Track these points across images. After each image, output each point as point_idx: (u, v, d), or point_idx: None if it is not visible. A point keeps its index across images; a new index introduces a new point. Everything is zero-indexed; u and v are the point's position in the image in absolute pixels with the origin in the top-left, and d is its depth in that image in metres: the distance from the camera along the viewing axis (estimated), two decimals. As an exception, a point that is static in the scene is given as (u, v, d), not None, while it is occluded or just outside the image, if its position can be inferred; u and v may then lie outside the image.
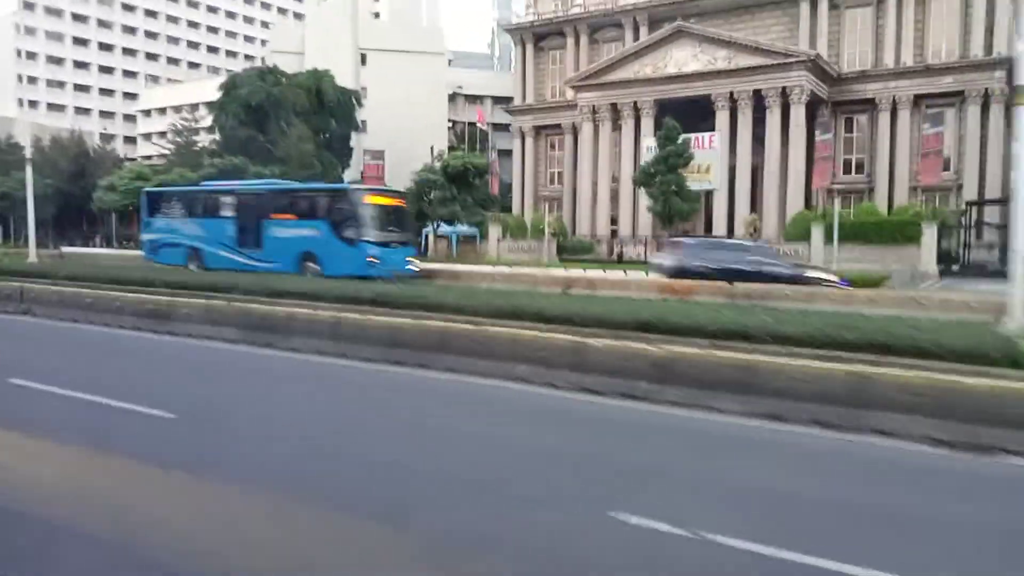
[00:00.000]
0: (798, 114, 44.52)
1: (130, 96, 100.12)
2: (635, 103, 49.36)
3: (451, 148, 74.10)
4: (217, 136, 59.95)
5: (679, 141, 34.85)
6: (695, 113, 47.99)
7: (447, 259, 44.07)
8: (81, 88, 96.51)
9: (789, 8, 49.27)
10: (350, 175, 59.33)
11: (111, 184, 54.75)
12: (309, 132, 54.24)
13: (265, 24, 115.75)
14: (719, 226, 47.08)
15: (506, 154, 76.95)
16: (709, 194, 47.19)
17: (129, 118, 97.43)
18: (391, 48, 69.38)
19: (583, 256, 48.82)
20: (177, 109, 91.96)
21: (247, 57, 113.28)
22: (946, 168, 43.85)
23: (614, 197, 51.01)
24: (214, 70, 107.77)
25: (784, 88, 44.48)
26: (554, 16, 58.34)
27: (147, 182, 55.46)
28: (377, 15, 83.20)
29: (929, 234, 35.42)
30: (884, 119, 46.77)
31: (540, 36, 59.59)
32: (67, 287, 19.12)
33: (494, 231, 48.42)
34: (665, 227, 37.75)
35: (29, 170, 29.21)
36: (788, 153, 44.98)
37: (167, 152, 62.10)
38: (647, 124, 48.97)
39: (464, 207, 40.22)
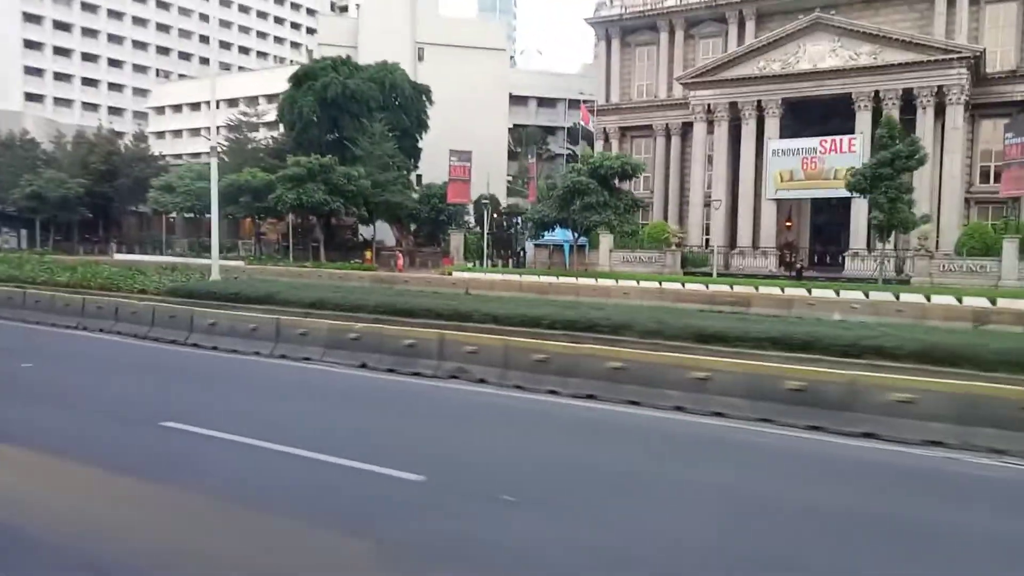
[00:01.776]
0: (956, 116, 40.60)
1: (140, 92, 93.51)
2: (759, 102, 45.07)
3: (511, 152, 69.49)
4: (276, 133, 54.42)
5: (897, 140, 30.21)
6: (817, 114, 44.10)
7: (569, 272, 39.27)
8: (89, 82, 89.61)
9: (918, 3, 45.31)
10: (430, 175, 54.23)
11: (167, 184, 48.87)
12: (385, 129, 49.04)
13: (279, 20, 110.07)
14: (858, 238, 42.93)
15: (560, 158, 72.70)
16: (844, 203, 43.10)
17: (139, 115, 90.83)
18: (451, 43, 64.34)
19: (699, 269, 44.49)
20: (194, 106, 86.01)
21: (260, 54, 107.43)
22: None
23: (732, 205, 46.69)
24: (225, 66, 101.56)
25: (940, 87, 40.52)
26: (646, 9, 53.87)
27: (208, 182, 49.81)
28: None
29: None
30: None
31: (628, 31, 55.12)
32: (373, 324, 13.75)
33: (606, 241, 43.67)
34: (883, 239, 33.29)
35: (214, 164, 23.58)
36: (942, 159, 41.06)
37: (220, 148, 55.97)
38: (772, 125, 44.80)
39: (616, 213, 35.32)
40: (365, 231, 55.47)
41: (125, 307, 15.29)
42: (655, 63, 54.22)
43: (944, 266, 36.48)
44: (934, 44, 40.85)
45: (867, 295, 24.73)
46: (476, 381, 11.19)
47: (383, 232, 56.76)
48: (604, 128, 55.44)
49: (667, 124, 53.07)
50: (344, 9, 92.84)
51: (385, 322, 12.92)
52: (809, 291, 26.67)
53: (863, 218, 42.88)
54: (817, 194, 43.70)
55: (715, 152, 47.26)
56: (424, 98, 55.08)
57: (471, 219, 56.01)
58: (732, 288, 27.26)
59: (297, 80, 50.14)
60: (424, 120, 55.22)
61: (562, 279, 28.61)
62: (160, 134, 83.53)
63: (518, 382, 10.75)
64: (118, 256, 43.98)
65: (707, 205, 47.71)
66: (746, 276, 37.79)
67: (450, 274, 34.77)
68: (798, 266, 38.85)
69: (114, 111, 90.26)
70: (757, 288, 26.34)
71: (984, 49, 41.07)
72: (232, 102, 64.41)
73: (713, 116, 46.93)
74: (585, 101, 61.10)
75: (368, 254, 48.77)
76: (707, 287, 26.54)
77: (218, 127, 68.38)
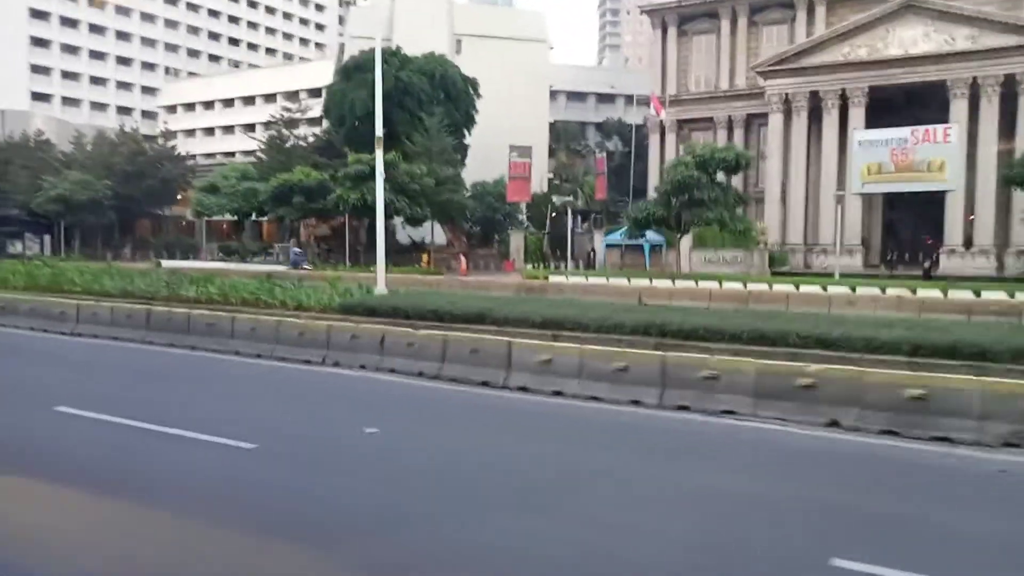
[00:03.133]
0: (1064, 102, 38.34)
1: (148, 91, 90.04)
2: (842, 90, 42.60)
3: (551, 148, 66.79)
4: (317, 129, 51.35)
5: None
6: (901, 104, 41.66)
7: (662, 274, 36.49)
8: (97, 81, 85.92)
9: (1006, -16, 42.89)
10: (469, 173, 51.31)
11: (212, 184, 45.68)
12: (440, 124, 46.20)
13: (287, 15, 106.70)
14: (953, 234, 40.61)
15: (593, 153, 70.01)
16: (921, 197, 40.79)
17: (148, 114, 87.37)
18: (489, 34, 61.49)
19: (782, 268, 42.03)
20: (207, 104, 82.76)
21: (268, 51, 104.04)
22: None
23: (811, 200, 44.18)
24: (234, 63, 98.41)
25: (1046, 72, 38.23)
26: (706, -5, 51.23)
27: (256, 182, 46.75)
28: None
29: None
30: None
31: (685, 18, 52.52)
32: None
33: (686, 240, 41.02)
34: None
35: (379, 156, 20.64)
36: (1050, 149, 38.75)
37: (259, 147, 52.80)
38: (856, 115, 42.34)
39: (727, 208, 32.65)
40: (409, 233, 52.53)
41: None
42: (714, 52, 51.64)
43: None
44: (1042, 26, 38.52)
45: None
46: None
47: (426, 233, 53.87)
48: (660, 121, 52.68)
49: (730, 116, 50.52)
50: (352, 4, 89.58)
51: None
52: (978, 294, 24.00)
53: (959, 213, 40.69)
54: (910, 187, 41.11)
55: (792, 145, 44.72)
56: (472, 91, 52.22)
57: (523, 218, 53.31)
58: (885, 292, 24.39)
59: (346, 73, 47.10)
60: (472, 115, 52.41)
61: (712, 284, 25.68)
62: (171, 134, 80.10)
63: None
64: (166, 263, 40.71)
65: (783, 201, 45.24)
66: (853, 276, 35.18)
67: (544, 278, 31.91)
68: (926, 265, 36.28)
69: (123, 110, 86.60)
70: (914, 292, 23.57)
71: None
72: (268, 97, 61.18)
73: (791, 106, 44.44)
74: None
75: (425, 257, 45.86)
76: (853, 290, 23.74)
77: (258, 124, 65.57)
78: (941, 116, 39.73)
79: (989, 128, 39.72)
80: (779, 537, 5.63)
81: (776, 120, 45.06)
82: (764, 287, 23.62)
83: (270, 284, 18.65)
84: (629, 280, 28.19)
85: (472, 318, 13.86)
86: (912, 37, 40.82)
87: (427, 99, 47.88)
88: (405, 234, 53.20)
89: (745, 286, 25.00)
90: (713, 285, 27.02)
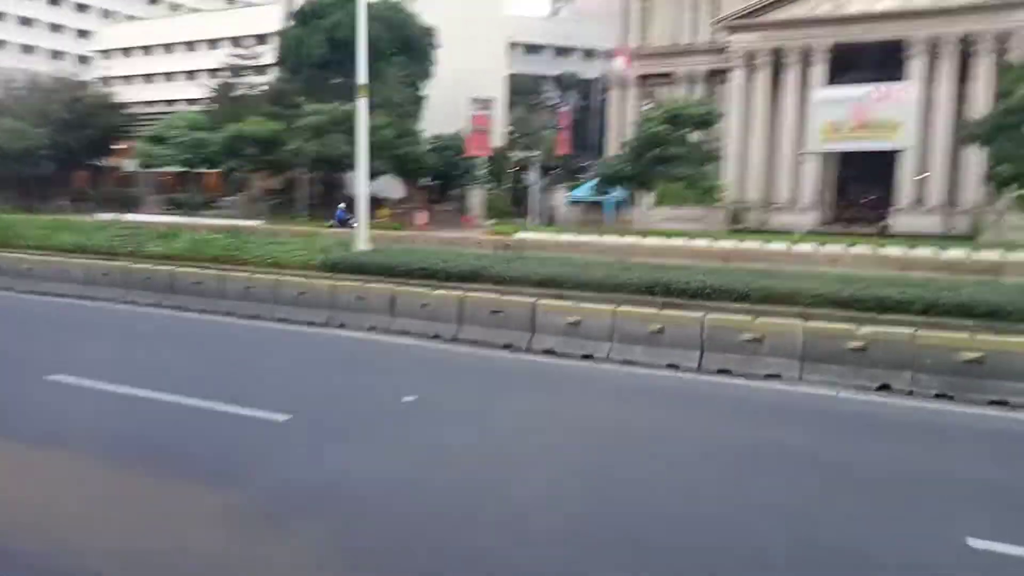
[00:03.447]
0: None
1: (83, 34, 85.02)
2: (805, 48, 42.63)
3: (511, 102, 65.57)
4: (268, 78, 49.25)
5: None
6: (869, 61, 41.93)
7: (626, 231, 36.30)
8: (26, 21, 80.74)
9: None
10: (427, 125, 50.04)
11: (157, 135, 43.51)
12: (400, 74, 44.82)
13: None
14: (905, 194, 41.41)
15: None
16: (889, 155, 41.39)
17: (83, 59, 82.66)
18: (445, -19, 59.45)
19: (741, 225, 42.35)
20: (146, 49, 78.56)
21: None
22: None
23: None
24: (174, 6, 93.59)
25: (1003, 32, 38.76)
26: (670, -54, 50.33)
27: (206, 132, 44.67)
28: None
29: None
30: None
31: (649, -30, 51.58)
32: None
33: (645, 197, 40.92)
34: (999, 193, 31.28)
35: (363, 107, 19.53)
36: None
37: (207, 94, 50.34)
38: (818, 72, 42.50)
39: (693, 166, 32.49)
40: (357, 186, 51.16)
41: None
42: (677, 6, 50.96)
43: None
44: (999, -14, 38.93)
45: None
46: None
47: (379, 187, 52.57)
48: (622, 75, 52.03)
49: (691, 71, 50.12)
50: None
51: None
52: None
53: (911, 172, 41.42)
54: (869, 146, 41.55)
55: (753, 102, 44.72)
56: (430, 42, 50.68)
57: (481, 173, 52.45)
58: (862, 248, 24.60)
59: (302, 18, 45.00)
60: (430, 66, 50.92)
61: (694, 241, 25.52)
62: (125, 79, 76.02)
63: None
64: (103, 216, 38.81)
65: (741, 158, 45.38)
66: (814, 234, 35.57)
67: (511, 234, 31.39)
68: (883, 223, 36.94)
69: (55, 54, 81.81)
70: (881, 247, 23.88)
71: (1054, -7, 39.24)
72: (212, 43, 58.32)
73: (754, 62, 44.35)
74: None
75: (386, 211, 44.79)
76: (847, 247, 23.92)
77: (201, 71, 62.54)
78: (900, 75, 40.14)
79: (945, 88, 40.30)
80: (902, 514, 5.38)
81: (738, 76, 44.95)
82: (744, 244, 23.53)
83: (241, 240, 17.73)
84: (602, 236, 27.90)
85: (466, 276, 13.35)
86: (875, -6, 40.92)
87: (385, 48, 46.17)
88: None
89: (718, 242, 24.95)
90: (699, 243, 26.94)
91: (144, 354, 10.40)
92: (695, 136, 33.78)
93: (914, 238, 32.44)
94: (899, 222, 40.58)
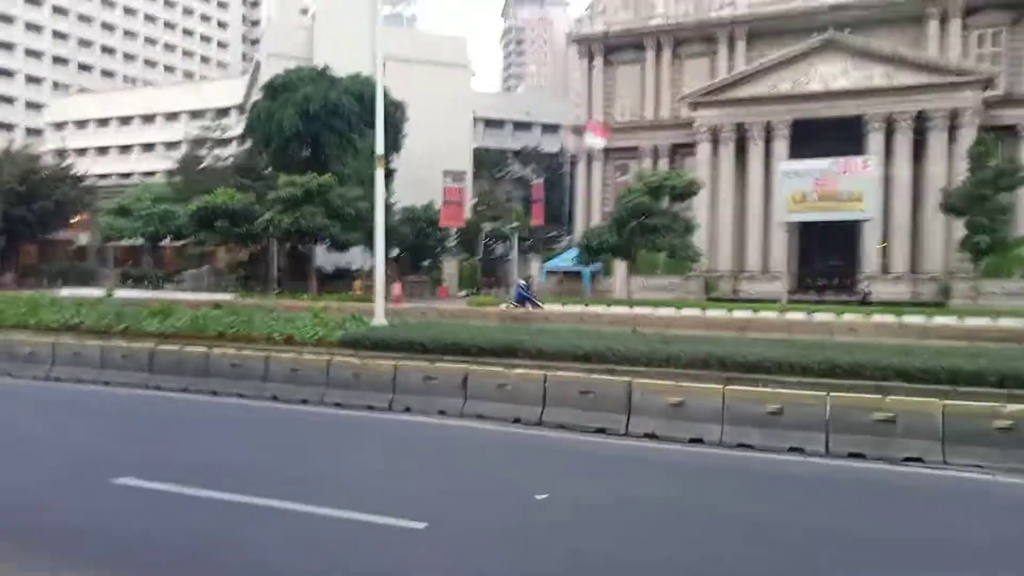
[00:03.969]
0: (969, 137, 40.86)
1: (33, 106, 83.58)
2: (768, 123, 44.22)
3: (476, 174, 66.19)
4: (232, 150, 48.69)
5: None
6: (824, 136, 43.57)
7: (605, 300, 36.26)
8: (-26, 94, 79.14)
9: (909, 27, 45.72)
10: (396, 198, 49.96)
11: (121, 207, 42.22)
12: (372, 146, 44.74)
13: (188, 32, 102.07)
14: (870, 262, 42.60)
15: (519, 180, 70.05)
16: (848, 225, 42.74)
17: (33, 131, 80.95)
18: (413, 58, 60.51)
19: (713, 294, 42.82)
20: (102, 122, 77.47)
21: (167, 68, 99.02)
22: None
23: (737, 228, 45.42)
24: (130, 80, 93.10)
25: (954, 109, 40.89)
26: (631, 28, 52.32)
27: (173, 204, 43.59)
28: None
29: None
30: (1025, 146, 44.08)
31: (611, 49, 53.41)
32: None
33: (621, 267, 41.27)
34: (977, 262, 32.16)
35: (380, 177, 19.02)
36: (957, 181, 41.23)
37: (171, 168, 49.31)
38: (781, 146, 44.03)
39: (677, 236, 32.84)
40: (334, 260, 50.54)
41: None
42: (640, 83, 52.67)
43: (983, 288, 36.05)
44: (949, 67, 41.25)
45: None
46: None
47: (351, 259, 51.97)
48: (587, 150, 53.07)
49: (655, 145, 51.48)
50: (256, 23, 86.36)
51: (835, 388, 9.53)
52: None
53: (874, 241, 42.73)
54: (833, 217, 42.79)
55: (719, 174, 45.94)
56: (400, 115, 51.07)
57: (452, 244, 52.39)
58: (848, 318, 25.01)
59: (272, 91, 44.89)
60: (400, 139, 51.15)
61: (685, 311, 25.48)
62: (61, 152, 74.43)
63: None
64: (64, 292, 37.13)
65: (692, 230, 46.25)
66: (795, 303, 36.06)
67: (493, 305, 30.99)
68: (865, 291, 37.68)
69: (5, 127, 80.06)
70: (870, 316, 24.29)
71: (998, 73, 41.73)
72: (171, 116, 57.61)
73: (718, 136, 45.75)
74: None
75: (358, 283, 44.04)
76: (812, 315, 24.31)
77: (160, 144, 61.59)
78: (860, 148, 41.79)
79: (903, 160, 42.06)
80: None
81: (704, 150, 46.23)
82: (759, 315, 23.61)
83: (244, 316, 16.86)
84: (609, 307, 27.82)
85: (501, 351, 12.81)
86: (832, 73, 42.93)
87: (357, 121, 46.35)
88: (328, 260, 51.11)
89: (731, 313, 25.04)
90: (713, 313, 27.03)
91: (216, 450, 9.32)
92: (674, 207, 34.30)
93: (888, 305, 33.29)
94: (866, 289, 41.51)
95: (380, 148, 18.54)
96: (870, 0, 45.79)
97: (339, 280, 46.84)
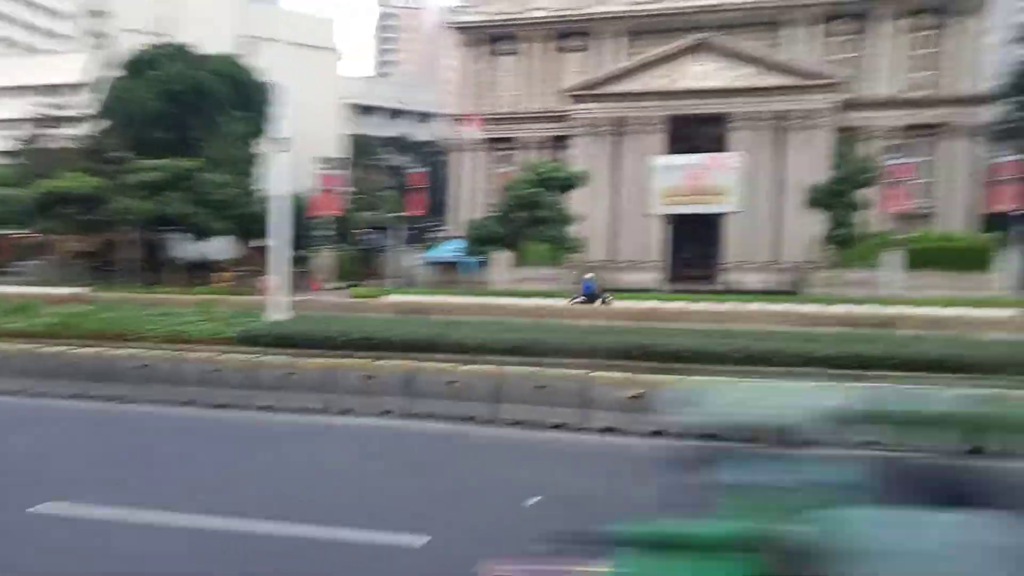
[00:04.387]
0: (823, 137, 43.89)
1: None
2: (643, 118, 45.58)
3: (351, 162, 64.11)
4: (77, 130, 44.46)
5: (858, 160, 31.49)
6: (702, 131, 45.54)
7: (483, 291, 36.00)
8: None
9: (773, 31, 48.42)
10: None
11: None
12: (241, 130, 42.36)
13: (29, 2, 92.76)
14: (735, 253, 44.91)
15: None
16: (716, 217, 45.00)
17: None
18: (278, 38, 57.63)
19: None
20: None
21: (7, 41, 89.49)
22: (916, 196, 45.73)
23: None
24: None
25: (810, 110, 43.70)
26: (512, 18, 52.31)
27: (14, 188, 39.09)
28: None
29: (1008, 258, 36.41)
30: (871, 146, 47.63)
31: (492, 38, 53.22)
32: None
33: (500, 258, 41.19)
34: (838, 254, 34.08)
35: (275, 165, 17.15)
36: (813, 178, 44.05)
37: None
38: (655, 141, 45.52)
39: (559, 227, 33.04)
40: (199, 248, 47.39)
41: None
42: (520, 74, 52.82)
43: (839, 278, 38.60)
44: (807, 71, 44.02)
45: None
46: None
47: (215, 249, 48.92)
48: (465, 140, 52.58)
49: (535, 137, 51.86)
50: None
51: (755, 375, 9.60)
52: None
53: (737, 233, 45.02)
54: (704, 209, 44.81)
55: (597, 166, 46.85)
56: (267, 98, 48.38)
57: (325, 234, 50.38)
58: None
59: (134, 68, 41.23)
60: (269, 122, 48.47)
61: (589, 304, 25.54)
62: None
63: None
64: None
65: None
66: (676, 292, 37.30)
67: (382, 296, 30.08)
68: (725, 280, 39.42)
69: None
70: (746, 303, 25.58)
71: (851, 76, 44.94)
72: (10, 91, 51.84)
73: (597, 129, 46.63)
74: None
75: (227, 274, 41.44)
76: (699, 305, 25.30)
77: (14, 121, 55.03)
78: (729, 144, 43.90)
79: (765, 157, 44.52)
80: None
81: (583, 142, 46.97)
82: (653, 304, 23.99)
83: (122, 312, 15.17)
84: (481, 298, 27.49)
85: (420, 346, 12.17)
86: (704, 72, 44.75)
87: (225, 103, 43.58)
88: (187, 250, 47.81)
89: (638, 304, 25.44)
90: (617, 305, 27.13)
91: (142, 465, 8.08)
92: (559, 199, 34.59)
93: (750, 293, 35.28)
94: (730, 279, 43.79)
95: (284, 130, 17.22)
96: (738, 3, 48.21)
97: (201, 271, 43.90)
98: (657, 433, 8.45)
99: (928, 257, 37.45)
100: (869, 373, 10.16)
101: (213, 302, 18.74)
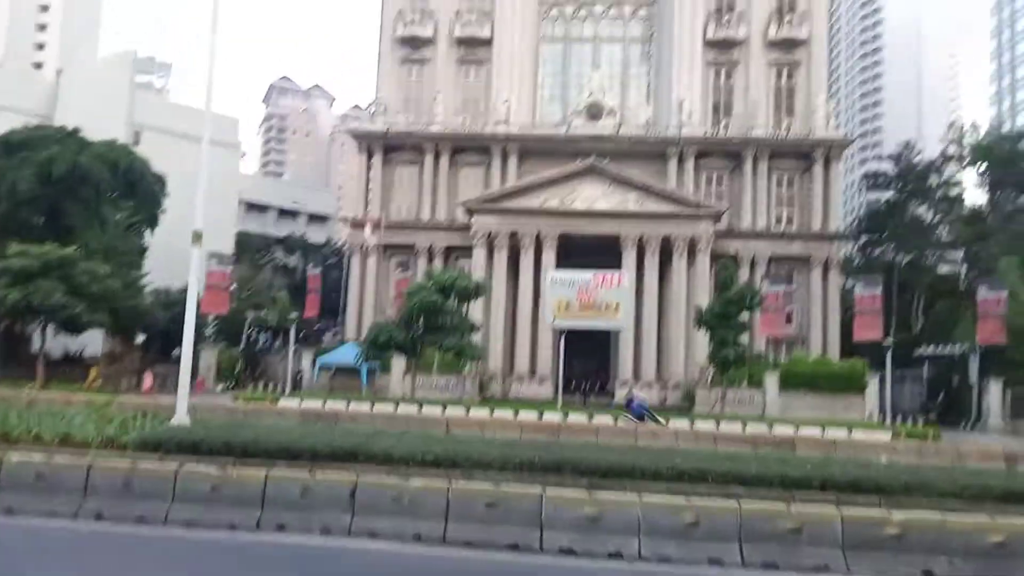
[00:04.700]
0: (704, 262, 46.83)
1: None
2: (538, 233, 47.19)
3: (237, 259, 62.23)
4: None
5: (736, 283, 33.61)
6: (595, 248, 47.41)
7: (366, 397, 35.04)
8: None
9: (655, 161, 51.88)
10: (149, 277, 45.33)
11: None
12: (125, 220, 40.57)
13: None
14: (625, 369, 46.24)
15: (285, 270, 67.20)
16: (612, 334, 46.50)
17: None
18: (175, 130, 56.53)
19: (487, 395, 43.54)
20: None
21: None
22: (789, 321, 49.47)
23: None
24: None
25: (693, 236, 46.71)
26: (412, 130, 53.83)
27: None
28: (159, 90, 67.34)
29: (874, 383, 39.46)
30: (744, 273, 51.08)
31: (391, 148, 54.32)
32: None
33: (398, 364, 40.58)
34: (722, 375, 35.37)
35: (196, 257, 15.94)
36: (694, 299, 46.53)
37: None
38: (549, 256, 47.01)
39: (462, 335, 32.99)
40: (65, 343, 43.99)
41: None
42: (418, 184, 53.83)
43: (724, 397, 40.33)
44: (688, 200, 47.35)
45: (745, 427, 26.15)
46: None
47: (81, 344, 45.53)
48: (363, 244, 52.47)
49: (431, 245, 52.45)
50: (39, 66, 75.83)
51: (688, 494, 9.65)
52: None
53: (630, 350, 46.48)
54: (594, 325, 45.96)
55: (494, 278, 47.71)
56: (160, 189, 46.96)
57: (209, 333, 48.09)
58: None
59: (7, 148, 38.93)
60: (157, 214, 46.80)
61: (509, 414, 25.34)
62: None
63: None
64: None
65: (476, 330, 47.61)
66: (567, 405, 37.66)
67: (271, 402, 28.72)
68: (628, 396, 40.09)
69: None
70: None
71: (728, 207, 48.60)
72: None
73: (493, 242, 47.78)
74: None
75: (93, 372, 38.38)
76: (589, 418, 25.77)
77: None
78: (619, 262, 45.85)
79: (652, 278, 46.84)
80: None
81: (480, 254, 47.91)
82: (562, 418, 24.08)
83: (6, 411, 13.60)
84: (397, 407, 26.87)
85: (342, 455, 11.60)
86: (594, 195, 47.21)
87: (108, 190, 41.75)
88: (53, 343, 44.21)
89: (541, 416, 25.52)
90: (527, 416, 27.11)
91: None
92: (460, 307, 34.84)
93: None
94: (621, 394, 44.77)
95: (199, 222, 16.58)
96: (622, 134, 51.78)
97: (69, 367, 40.56)
98: (616, 555, 8.33)
99: (804, 380, 40.07)
100: (797, 493, 10.55)
101: (107, 403, 17.18)
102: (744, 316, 35.55)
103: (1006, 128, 78.71)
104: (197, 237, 16.15)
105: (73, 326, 37.75)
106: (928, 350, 48.25)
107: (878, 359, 40.46)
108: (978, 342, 38.93)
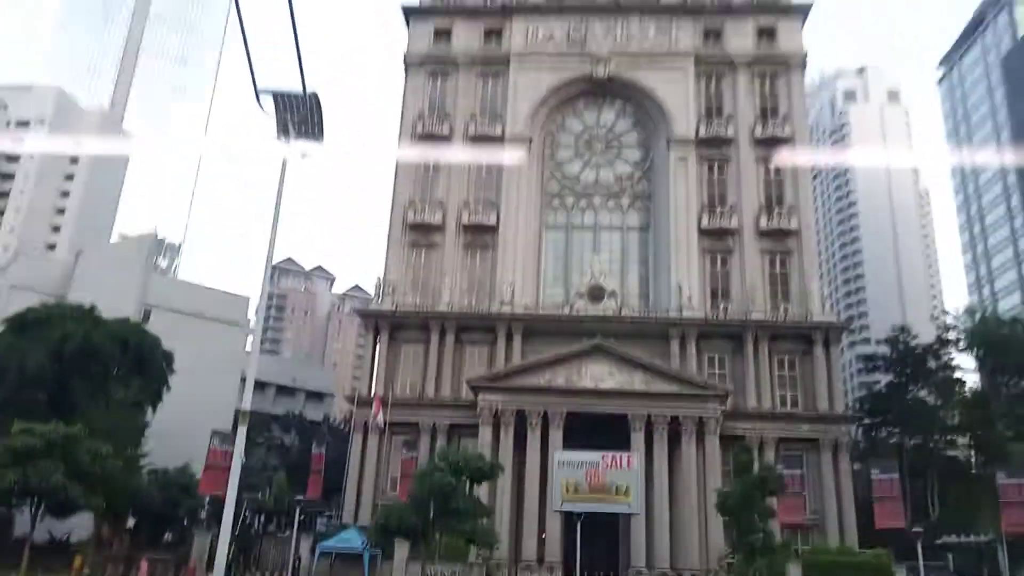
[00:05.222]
0: (714, 443, 46.24)
1: None
2: (545, 412, 46.84)
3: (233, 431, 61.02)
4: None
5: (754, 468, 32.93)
6: (603, 427, 46.83)
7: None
8: None
9: (660, 342, 52.56)
10: (159, 456, 44.21)
11: None
12: (131, 399, 40.17)
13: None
14: (637, 555, 44.20)
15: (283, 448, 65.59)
16: (623, 517, 44.85)
17: None
18: (183, 309, 57.56)
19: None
20: None
21: None
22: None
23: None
24: None
25: (701, 417, 46.44)
26: (419, 310, 55.00)
27: None
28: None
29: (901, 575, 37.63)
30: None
31: (397, 327, 55.14)
32: None
33: (401, 551, 38.54)
34: (748, 565, 33.74)
35: (240, 438, 15.68)
36: (706, 482, 45.48)
37: None
38: (556, 436, 46.34)
39: (475, 520, 31.72)
40: (49, 527, 41.87)
41: None
42: (423, 362, 54.11)
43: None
44: (695, 380, 47.58)
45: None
46: None
47: (65, 529, 43.33)
48: (366, 422, 51.83)
49: (435, 423, 51.89)
50: (52, 247, 78.41)
51: None
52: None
53: (642, 535, 44.61)
54: (605, 508, 44.43)
55: (500, 457, 46.64)
56: (166, 368, 46.98)
57: (203, 516, 46.12)
58: None
59: (20, 325, 39.33)
60: (162, 392, 46.51)
61: None
62: None
63: None
64: None
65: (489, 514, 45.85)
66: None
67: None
68: None
69: None
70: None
71: (731, 388, 48.73)
72: None
73: (499, 420, 47.27)
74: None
75: (78, 561, 36.19)
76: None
77: None
78: (628, 442, 45.13)
79: (661, 459, 45.97)
80: None
81: (486, 432, 47.27)
82: None
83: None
84: None
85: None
86: (600, 374, 47.48)
87: (115, 367, 41.70)
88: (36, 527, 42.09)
89: None
90: None
91: None
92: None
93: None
94: (635, 584, 42.51)
95: (247, 403, 16.47)
96: (624, 315, 53.00)
97: (54, 553, 38.26)
98: None
99: (827, 571, 38.21)
100: None
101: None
102: (770, 501, 34.53)
103: (992, 310, 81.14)
104: (244, 417, 15.93)
105: (64, 509, 36.19)
106: (951, 539, 46.51)
107: (899, 547, 38.93)
108: (1004, 532, 37.67)
